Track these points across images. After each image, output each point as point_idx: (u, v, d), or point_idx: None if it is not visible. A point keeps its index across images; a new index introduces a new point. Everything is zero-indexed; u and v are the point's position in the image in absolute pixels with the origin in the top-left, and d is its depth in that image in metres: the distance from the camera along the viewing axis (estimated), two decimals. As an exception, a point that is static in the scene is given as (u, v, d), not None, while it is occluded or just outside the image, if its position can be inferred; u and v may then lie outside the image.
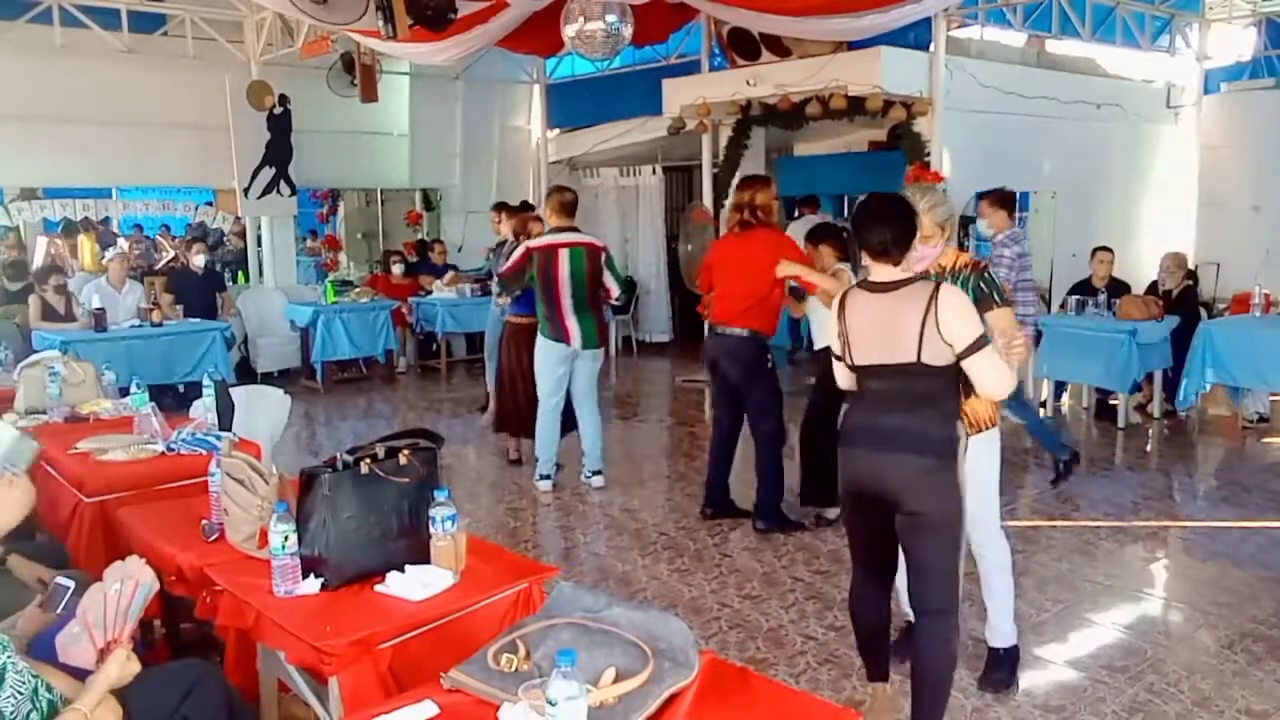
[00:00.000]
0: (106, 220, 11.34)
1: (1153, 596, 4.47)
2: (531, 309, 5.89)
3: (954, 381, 2.87)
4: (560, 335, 5.70)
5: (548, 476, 5.96)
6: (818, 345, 5.16)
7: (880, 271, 2.91)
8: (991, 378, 2.81)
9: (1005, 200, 6.13)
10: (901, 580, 3.27)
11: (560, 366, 5.81)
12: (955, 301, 2.79)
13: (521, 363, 6.14)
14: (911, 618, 3.39)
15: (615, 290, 5.81)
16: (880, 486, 2.89)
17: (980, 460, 3.26)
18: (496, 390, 6.81)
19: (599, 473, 6.02)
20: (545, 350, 5.78)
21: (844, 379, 3.14)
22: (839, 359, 3.07)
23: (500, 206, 7.64)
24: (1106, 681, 3.57)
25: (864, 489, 2.95)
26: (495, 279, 7.56)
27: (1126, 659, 3.74)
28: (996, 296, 3.30)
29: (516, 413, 6.34)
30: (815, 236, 5.27)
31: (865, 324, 2.92)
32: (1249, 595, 4.32)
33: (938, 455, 2.83)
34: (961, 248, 3.90)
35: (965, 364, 2.79)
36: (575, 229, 5.76)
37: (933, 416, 2.84)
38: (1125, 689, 3.51)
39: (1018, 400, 5.70)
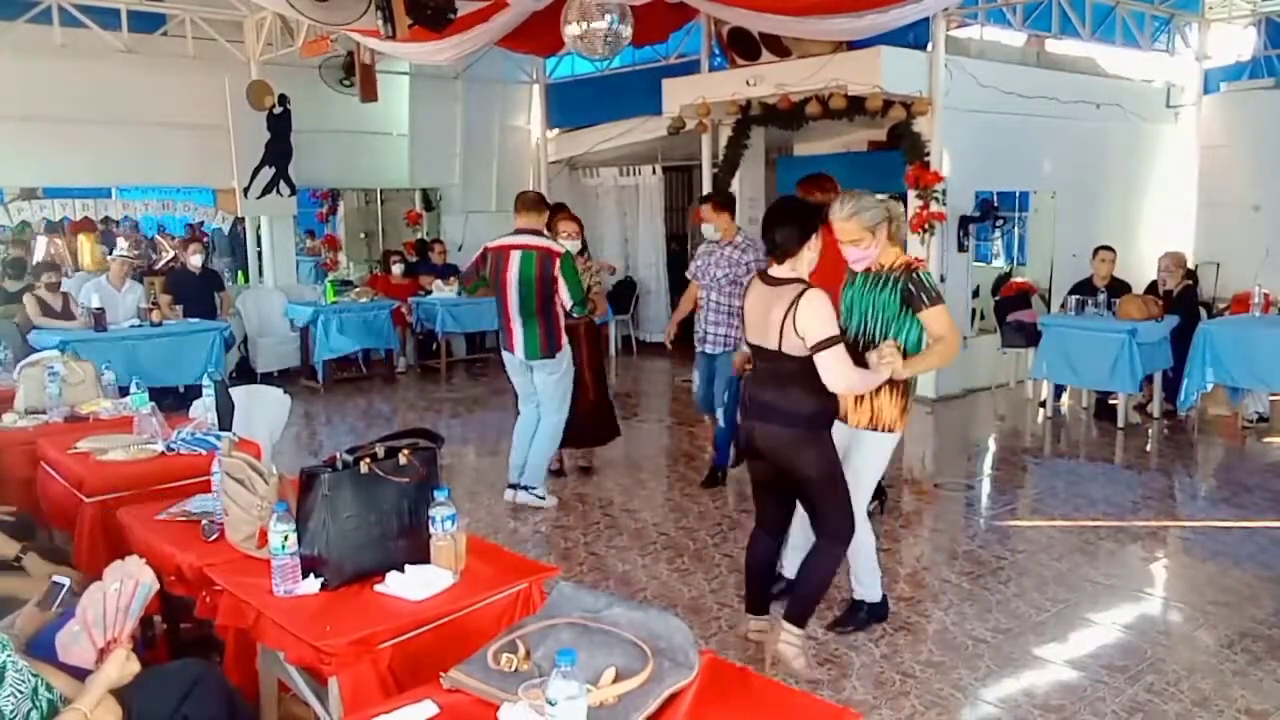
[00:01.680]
0: (121, 219, 11.32)
1: (1153, 596, 4.48)
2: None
3: (807, 366, 3.26)
4: (506, 342, 5.49)
5: (512, 486, 5.66)
6: None
7: (773, 267, 3.37)
8: (829, 375, 3.22)
9: (728, 203, 5.83)
10: (792, 541, 3.88)
11: (518, 375, 5.58)
12: (813, 305, 3.20)
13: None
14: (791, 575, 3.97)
15: (567, 301, 5.31)
16: (760, 448, 3.45)
17: (869, 457, 3.75)
18: None
19: (526, 488, 5.61)
20: (505, 356, 5.59)
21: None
22: None
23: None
24: (1106, 681, 3.57)
25: (752, 449, 3.51)
26: None
27: (1126, 659, 3.74)
28: (925, 297, 3.59)
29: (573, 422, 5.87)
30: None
31: (752, 310, 3.43)
32: (1249, 595, 4.32)
33: (803, 426, 3.33)
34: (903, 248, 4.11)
35: (815, 358, 3.20)
36: (537, 231, 5.43)
37: (796, 394, 3.30)
38: (1125, 689, 3.51)
39: (732, 405, 5.56)
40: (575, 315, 5.52)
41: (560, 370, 5.49)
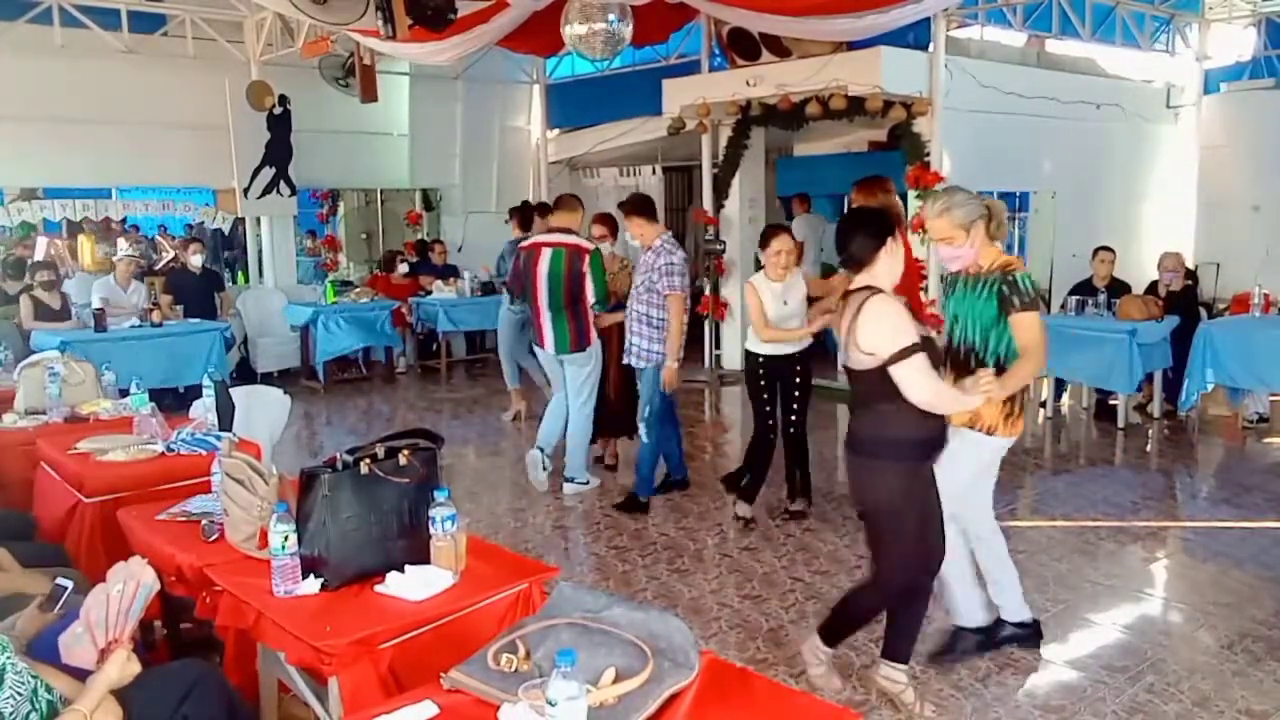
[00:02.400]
0: (123, 219, 11.32)
1: (1153, 596, 4.47)
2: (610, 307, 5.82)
3: (883, 384, 2.98)
4: (537, 338, 5.70)
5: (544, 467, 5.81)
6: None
7: (852, 281, 3.14)
8: (909, 391, 2.95)
9: (641, 208, 5.53)
10: (955, 591, 3.63)
11: (551, 367, 5.83)
12: (874, 313, 2.95)
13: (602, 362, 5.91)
14: (961, 623, 3.71)
15: (590, 297, 5.53)
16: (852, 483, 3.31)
17: (961, 456, 3.39)
18: None
19: (571, 480, 5.85)
20: (537, 351, 5.82)
21: None
22: None
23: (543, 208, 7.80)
24: (1106, 681, 3.57)
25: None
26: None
27: (1126, 659, 3.74)
28: (1017, 299, 3.30)
29: (603, 413, 6.03)
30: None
31: (840, 328, 3.15)
32: (1249, 595, 4.32)
33: (880, 455, 3.07)
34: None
35: (890, 372, 2.94)
36: (570, 230, 5.70)
37: (870, 417, 3.08)
38: (1125, 689, 3.51)
39: (656, 423, 5.50)
40: (596, 311, 5.70)
41: (590, 365, 5.68)
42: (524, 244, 5.70)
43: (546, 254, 5.59)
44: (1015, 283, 3.31)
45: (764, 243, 5.14)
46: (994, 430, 3.43)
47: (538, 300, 5.60)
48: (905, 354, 2.90)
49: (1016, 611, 3.73)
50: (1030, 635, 3.77)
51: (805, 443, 5.31)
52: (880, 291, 3.02)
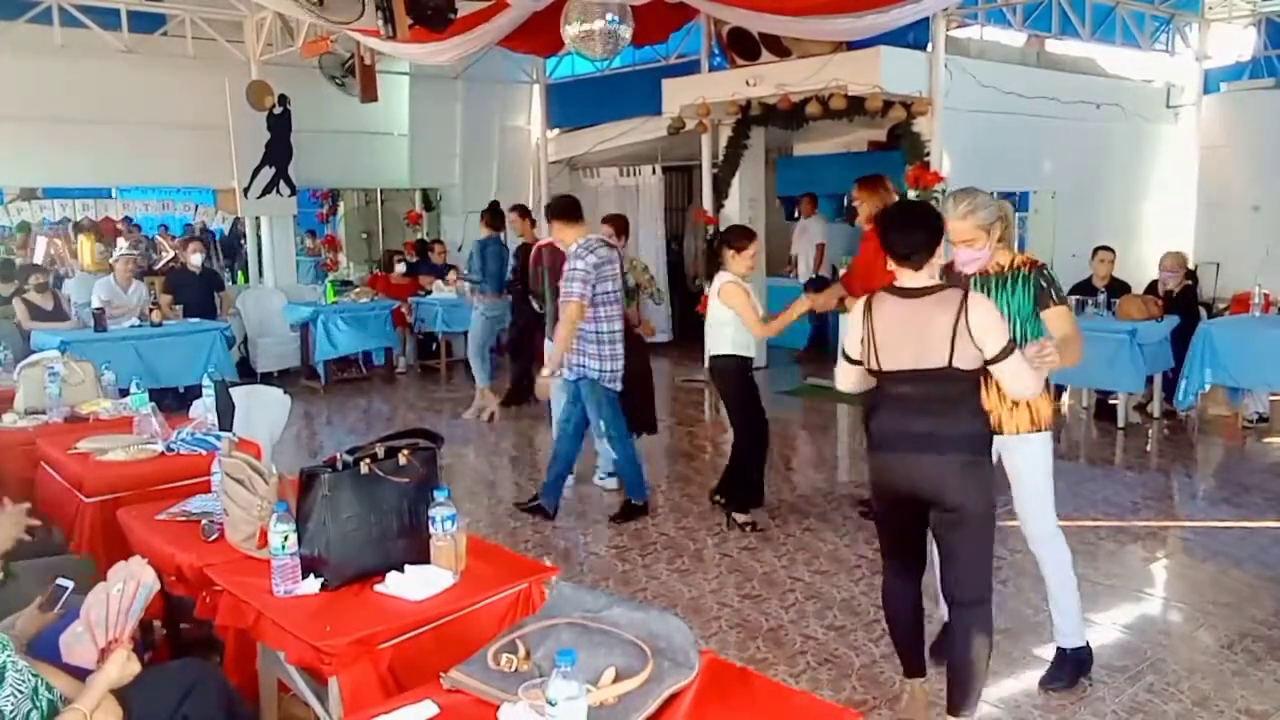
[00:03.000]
0: (127, 220, 11.33)
1: (1153, 596, 4.47)
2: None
3: (978, 383, 2.98)
4: None
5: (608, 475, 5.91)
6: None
7: (907, 277, 2.95)
8: (1017, 383, 2.94)
9: (561, 211, 5.33)
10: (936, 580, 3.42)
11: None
12: (984, 309, 2.88)
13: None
14: (947, 617, 3.45)
15: None
16: (914, 487, 2.97)
17: (1039, 459, 3.44)
18: None
19: (614, 474, 5.91)
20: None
21: (851, 381, 3.17)
22: (856, 362, 3.08)
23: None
24: (1106, 681, 3.56)
25: (898, 490, 3.03)
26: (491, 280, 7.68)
27: (1126, 659, 3.74)
28: (1055, 293, 3.42)
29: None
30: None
31: (895, 329, 2.95)
32: (1249, 595, 4.32)
33: (972, 452, 2.94)
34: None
35: (994, 368, 2.89)
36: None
37: (963, 416, 2.94)
38: (1125, 689, 3.51)
39: (619, 434, 5.39)
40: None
41: None
42: (545, 243, 5.51)
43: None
44: (1052, 278, 3.43)
45: (739, 244, 5.04)
46: (1050, 425, 3.47)
47: None
48: (1011, 348, 2.90)
49: (1073, 635, 3.59)
50: (1086, 662, 3.62)
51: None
52: (971, 291, 2.97)
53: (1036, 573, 4.51)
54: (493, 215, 8.27)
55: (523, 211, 8.21)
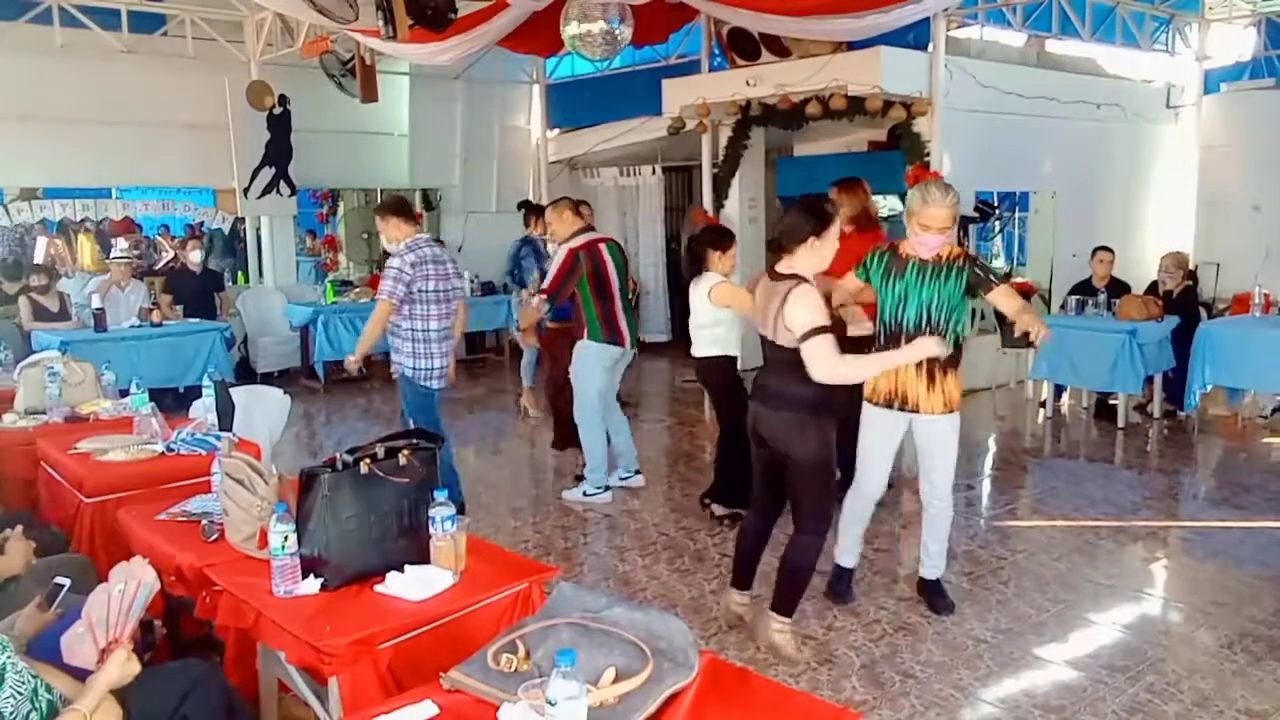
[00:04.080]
0: (128, 220, 11.33)
1: (1153, 596, 4.47)
2: (567, 314, 5.76)
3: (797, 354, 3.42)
4: (615, 336, 5.50)
5: (610, 488, 5.76)
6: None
7: (781, 263, 3.51)
8: (814, 364, 3.37)
9: (394, 208, 5.23)
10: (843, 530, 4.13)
11: (613, 371, 5.66)
12: (797, 300, 3.36)
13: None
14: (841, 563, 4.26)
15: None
16: (764, 433, 3.63)
17: (950, 439, 3.96)
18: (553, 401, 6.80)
19: (639, 471, 5.95)
20: (598, 354, 5.51)
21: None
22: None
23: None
24: (1106, 681, 3.57)
25: (757, 434, 3.67)
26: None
27: (1126, 659, 3.74)
28: (992, 277, 3.82)
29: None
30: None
31: (759, 304, 3.57)
32: (1249, 595, 4.32)
33: (802, 410, 3.47)
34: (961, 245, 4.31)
35: (801, 348, 3.35)
36: (592, 228, 5.75)
37: (795, 380, 3.43)
38: (1125, 689, 3.51)
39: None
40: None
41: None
42: (575, 246, 5.41)
43: (604, 249, 5.54)
44: (985, 264, 3.82)
45: (724, 245, 5.12)
46: (959, 407, 3.92)
47: (614, 298, 5.49)
48: (815, 333, 3.33)
49: (936, 570, 4.23)
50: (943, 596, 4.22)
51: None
52: (805, 282, 3.41)
53: (1038, 573, 4.56)
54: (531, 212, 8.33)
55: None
